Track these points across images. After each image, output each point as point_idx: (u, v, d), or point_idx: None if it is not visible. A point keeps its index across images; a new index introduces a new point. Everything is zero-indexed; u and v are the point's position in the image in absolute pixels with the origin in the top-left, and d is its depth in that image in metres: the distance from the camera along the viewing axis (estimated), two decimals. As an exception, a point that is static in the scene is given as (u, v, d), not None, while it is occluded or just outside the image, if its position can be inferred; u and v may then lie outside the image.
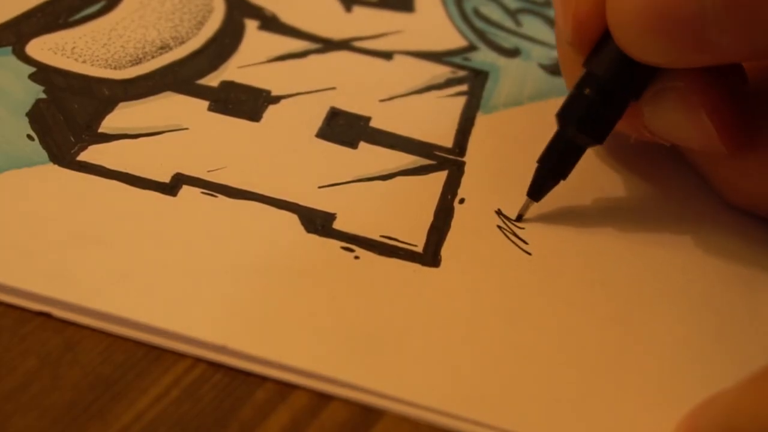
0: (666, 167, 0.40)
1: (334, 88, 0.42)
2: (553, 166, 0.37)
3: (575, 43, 0.35)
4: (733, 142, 0.35)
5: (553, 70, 0.44)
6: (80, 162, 0.37)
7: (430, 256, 0.35)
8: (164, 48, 0.42)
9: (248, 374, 0.32)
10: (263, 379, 0.31)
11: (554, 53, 0.45)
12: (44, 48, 0.41)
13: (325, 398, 0.31)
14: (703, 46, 0.32)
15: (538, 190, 0.37)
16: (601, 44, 0.35)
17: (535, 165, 0.37)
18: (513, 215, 0.37)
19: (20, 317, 0.32)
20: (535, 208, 0.37)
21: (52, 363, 0.31)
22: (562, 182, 0.37)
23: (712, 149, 0.35)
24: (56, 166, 0.36)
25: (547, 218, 0.37)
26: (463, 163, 0.39)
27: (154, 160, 0.37)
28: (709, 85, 0.34)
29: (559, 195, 0.38)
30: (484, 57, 0.44)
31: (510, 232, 0.37)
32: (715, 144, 0.35)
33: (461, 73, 0.43)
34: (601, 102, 0.35)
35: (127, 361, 0.31)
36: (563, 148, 0.36)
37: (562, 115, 0.36)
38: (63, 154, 0.37)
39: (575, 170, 0.38)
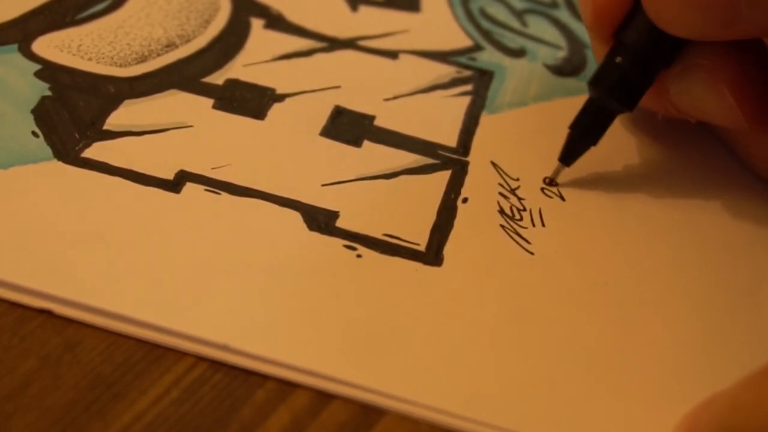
0: (670, 162, 0.40)
1: (338, 87, 0.42)
2: (584, 132, 0.38)
3: (594, 28, 0.37)
4: (756, 118, 0.36)
5: (559, 70, 0.44)
6: (84, 159, 0.37)
7: (432, 255, 0.36)
8: (170, 46, 0.42)
9: (248, 374, 0.32)
10: (264, 378, 0.32)
11: (560, 54, 0.45)
12: (50, 45, 0.41)
13: (325, 398, 0.31)
14: (732, 20, 0.33)
15: (569, 155, 0.38)
16: (632, 14, 0.36)
17: (567, 131, 0.38)
18: (516, 215, 0.37)
19: (20, 317, 0.32)
20: (538, 205, 0.38)
21: (52, 363, 0.31)
22: (565, 175, 0.38)
23: (735, 125, 0.36)
24: (60, 163, 0.37)
25: (549, 218, 0.37)
26: (466, 163, 0.39)
27: (159, 158, 0.37)
28: (732, 62, 0.36)
29: (563, 192, 0.38)
30: (489, 57, 0.44)
31: (513, 232, 0.37)
32: (738, 120, 0.36)
33: (466, 73, 0.43)
34: (631, 70, 0.37)
35: (127, 361, 0.31)
36: (594, 115, 0.38)
37: (594, 82, 0.37)
38: (67, 151, 0.37)
39: (577, 166, 0.38)
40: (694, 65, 0.36)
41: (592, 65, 0.44)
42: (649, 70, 0.37)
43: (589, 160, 0.39)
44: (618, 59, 0.37)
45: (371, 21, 0.45)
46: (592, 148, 0.38)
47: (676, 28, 0.35)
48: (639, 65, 0.36)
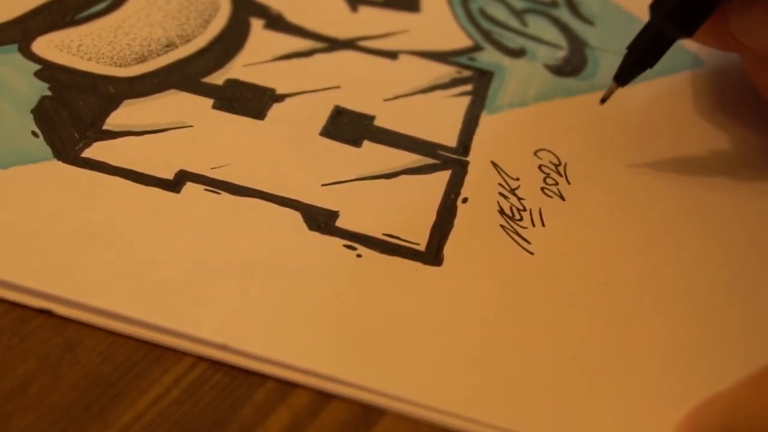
0: (669, 162, 0.40)
1: (338, 87, 0.42)
2: (641, 55, 0.38)
3: None
4: None
5: (559, 70, 0.44)
6: (84, 158, 0.37)
7: (432, 254, 0.36)
8: (170, 46, 0.42)
9: (248, 374, 0.32)
10: (264, 378, 0.32)
11: (560, 54, 0.45)
12: (50, 45, 0.41)
13: (325, 398, 0.31)
14: None
15: (624, 75, 0.38)
16: None
17: (624, 51, 0.38)
18: (516, 215, 0.37)
19: (21, 317, 0.32)
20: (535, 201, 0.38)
21: (52, 363, 0.31)
22: (559, 181, 0.38)
23: None
24: (60, 163, 0.37)
25: (549, 218, 0.37)
26: (466, 163, 0.39)
27: (159, 157, 0.37)
28: None
29: (563, 192, 0.38)
30: (489, 57, 0.44)
31: (513, 232, 0.37)
32: None
33: (466, 73, 0.43)
34: None
35: (127, 361, 0.31)
36: (653, 38, 0.38)
37: (654, 7, 0.37)
38: (67, 151, 0.37)
39: (580, 170, 0.38)
40: None
41: (593, 65, 0.44)
42: None
43: (590, 160, 0.39)
44: None
45: (371, 21, 0.45)
46: (595, 148, 0.38)
47: None
48: None
